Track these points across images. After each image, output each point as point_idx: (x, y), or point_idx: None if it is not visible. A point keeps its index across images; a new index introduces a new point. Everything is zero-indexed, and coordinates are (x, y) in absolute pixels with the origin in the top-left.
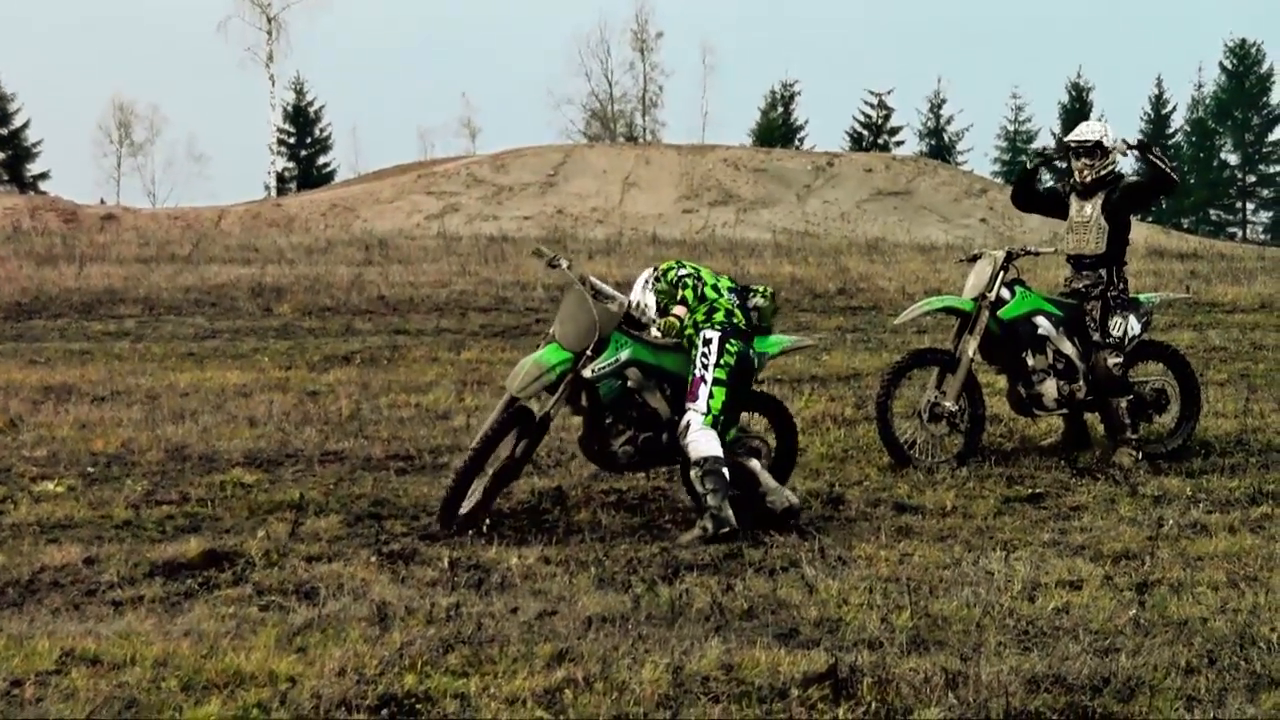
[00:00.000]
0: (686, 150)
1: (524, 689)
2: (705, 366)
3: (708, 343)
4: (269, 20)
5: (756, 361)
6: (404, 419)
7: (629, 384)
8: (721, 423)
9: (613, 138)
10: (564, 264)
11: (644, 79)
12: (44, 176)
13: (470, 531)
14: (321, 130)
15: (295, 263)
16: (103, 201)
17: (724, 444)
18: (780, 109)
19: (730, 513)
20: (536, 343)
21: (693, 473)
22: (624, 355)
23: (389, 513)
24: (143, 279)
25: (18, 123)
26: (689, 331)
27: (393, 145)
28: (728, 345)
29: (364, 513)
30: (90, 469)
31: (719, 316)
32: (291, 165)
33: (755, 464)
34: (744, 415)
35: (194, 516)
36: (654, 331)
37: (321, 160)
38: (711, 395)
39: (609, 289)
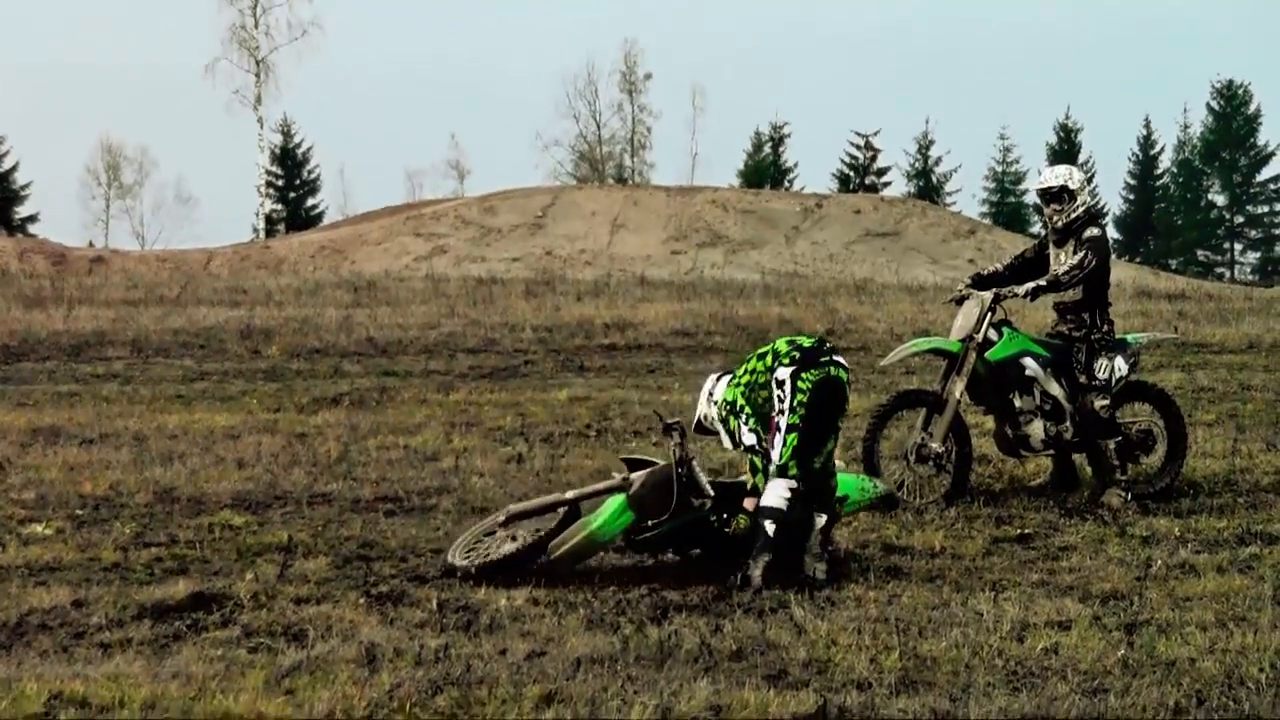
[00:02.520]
0: (675, 192)
1: None
2: (781, 412)
3: (780, 384)
4: (257, 63)
5: (845, 375)
6: (392, 460)
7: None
8: (799, 458)
9: (601, 179)
10: (676, 439)
11: (632, 120)
12: (32, 219)
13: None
14: (310, 172)
15: (284, 305)
16: (91, 244)
17: (811, 470)
18: (769, 150)
19: (759, 575)
20: (525, 385)
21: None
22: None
23: (377, 554)
24: (131, 321)
25: (6, 165)
26: (760, 380)
27: (381, 187)
28: (800, 382)
29: (352, 554)
30: (79, 511)
31: (797, 349)
32: (280, 207)
33: (821, 520)
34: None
35: (182, 559)
36: (724, 441)
37: (310, 202)
38: (784, 443)
39: (705, 482)
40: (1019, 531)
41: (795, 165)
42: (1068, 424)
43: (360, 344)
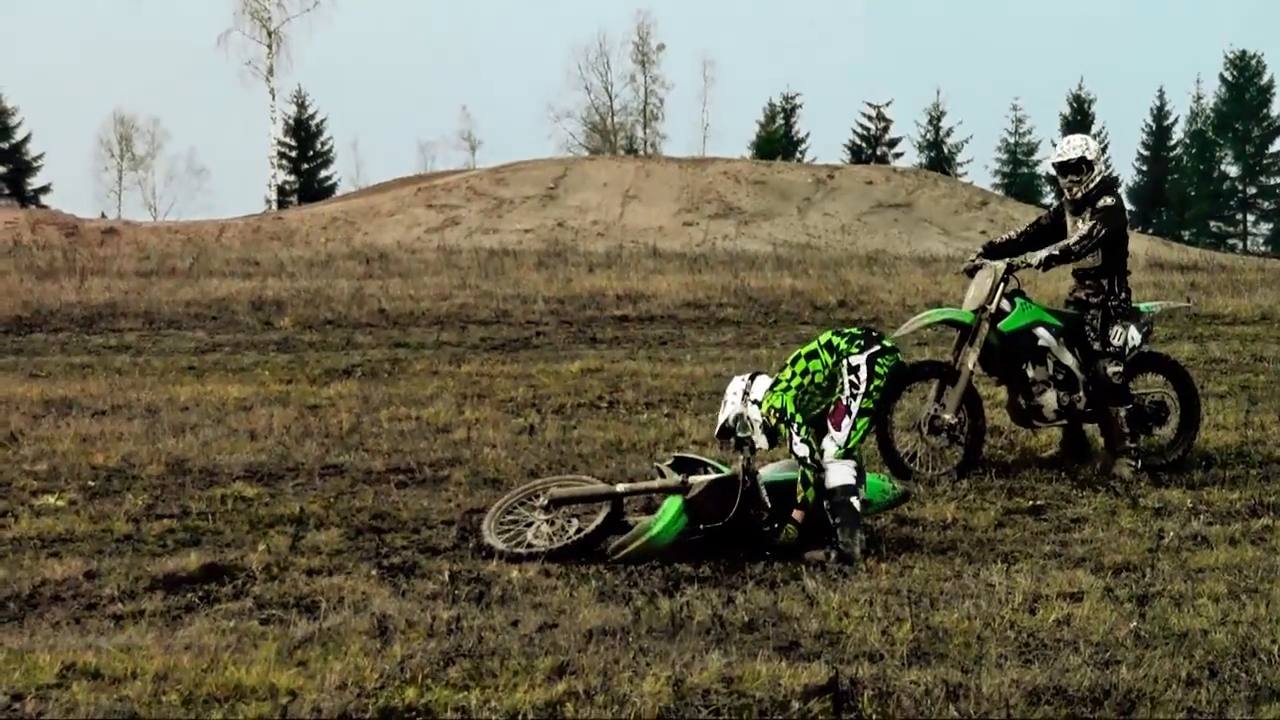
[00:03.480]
0: (687, 163)
1: (525, 702)
2: (854, 396)
3: (854, 370)
4: (269, 34)
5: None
6: (404, 432)
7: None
8: (863, 441)
9: (613, 150)
10: (746, 452)
11: (644, 92)
12: (45, 190)
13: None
14: (322, 144)
15: (296, 276)
16: (103, 215)
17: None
18: (781, 122)
19: (857, 550)
20: (536, 357)
21: (825, 503)
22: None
23: (389, 526)
24: (143, 293)
25: (19, 136)
26: (823, 370)
27: (393, 159)
28: (876, 367)
29: (364, 526)
30: (91, 483)
31: (855, 337)
32: (292, 179)
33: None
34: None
35: (194, 530)
36: (757, 440)
37: (323, 174)
38: (854, 427)
39: (765, 495)
40: (1031, 503)
41: (807, 136)
42: (1080, 394)
43: (372, 315)
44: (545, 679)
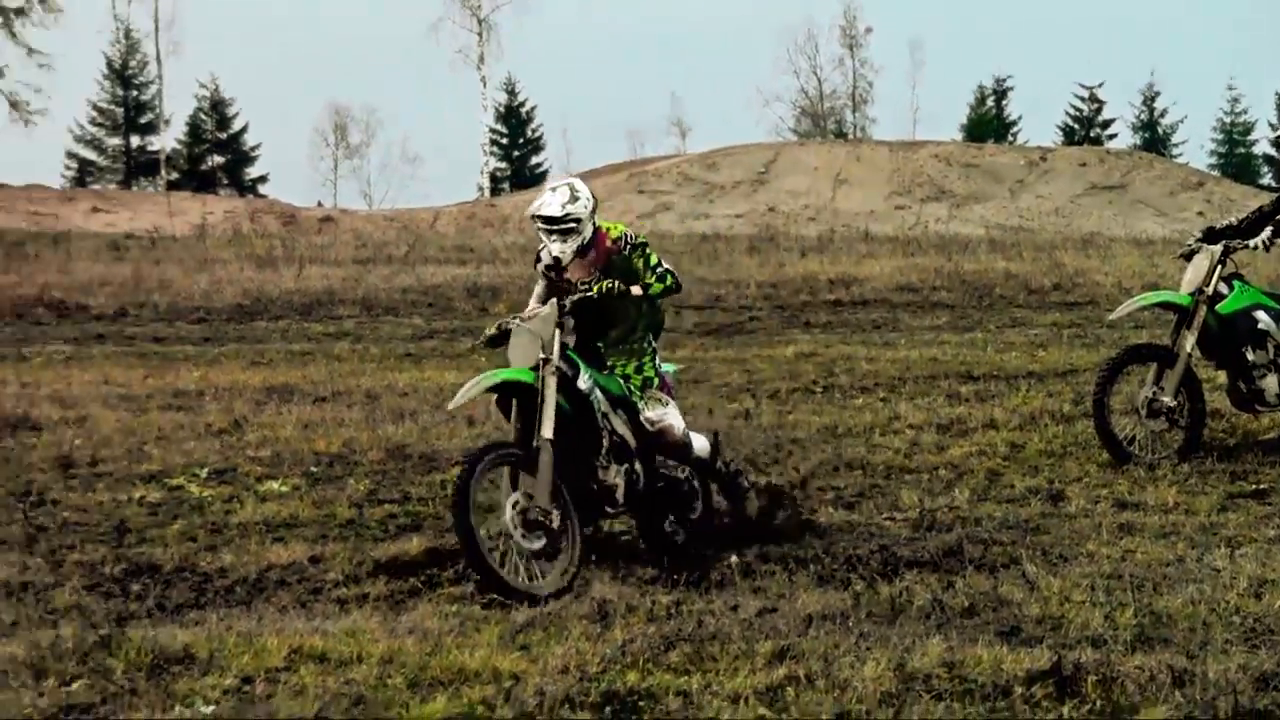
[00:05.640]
0: (897, 146)
1: (746, 686)
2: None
3: (654, 352)
4: (479, 22)
5: None
6: None
7: (599, 409)
8: None
9: (823, 135)
10: (498, 326)
11: (853, 75)
12: (263, 180)
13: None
14: (533, 130)
15: (510, 262)
16: (320, 204)
17: None
18: (992, 104)
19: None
20: (750, 342)
21: (719, 460)
22: (585, 373)
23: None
24: (360, 280)
25: (236, 127)
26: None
27: (602, 145)
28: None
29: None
30: (313, 469)
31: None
32: (504, 165)
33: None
34: None
35: (416, 515)
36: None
37: (533, 160)
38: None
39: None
40: (1254, 487)
41: (1019, 118)
42: None
43: None
44: (766, 663)
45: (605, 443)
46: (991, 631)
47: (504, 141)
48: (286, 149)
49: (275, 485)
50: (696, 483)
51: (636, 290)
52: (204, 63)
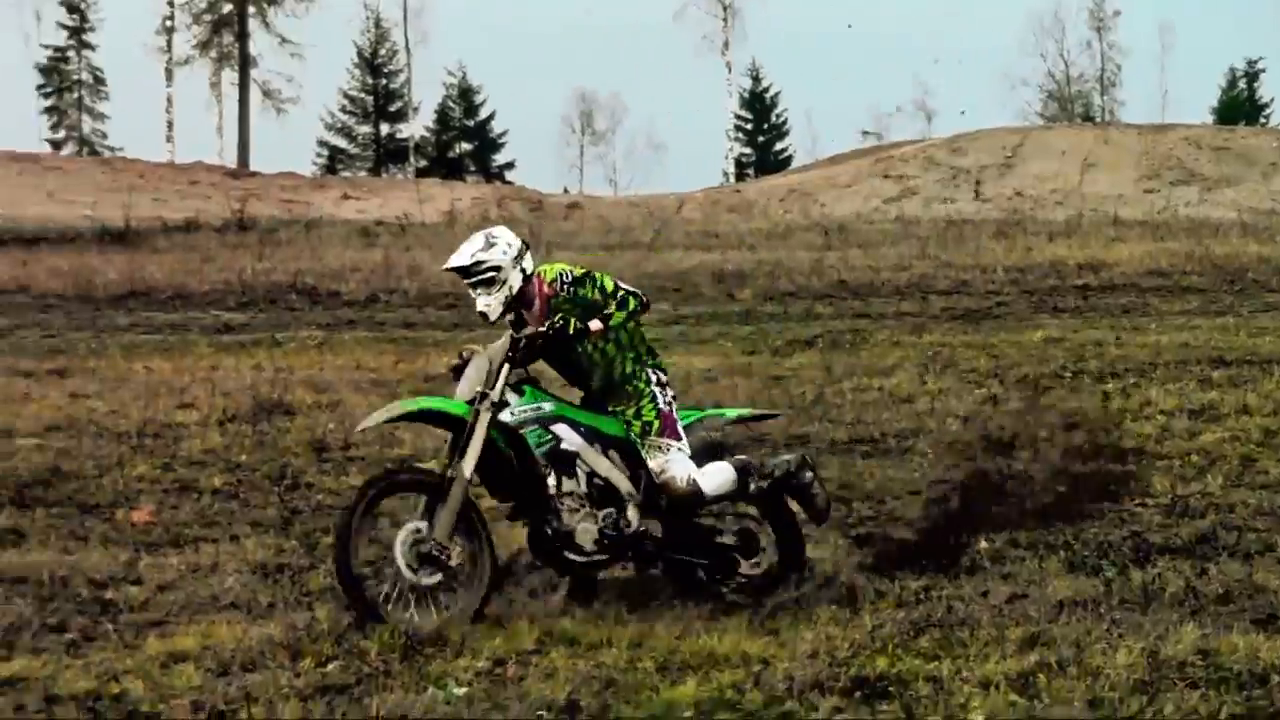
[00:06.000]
0: (1146, 130)
1: (996, 673)
2: (670, 405)
3: (662, 384)
4: (724, 8)
5: None
6: (867, 403)
7: (564, 445)
8: None
9: (1070, 118)
10: (460, 355)
11: (1101, 58)
12: (509, 166)
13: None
14: (777, 116)
15: (755, 248)
16: (566, 190)
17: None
18: (1243, 86)
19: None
20: (998, 327)
21: (752, 486)
22: (546, 406)
23: (855, 496)
24: (607, 265)
25: (484, 114)
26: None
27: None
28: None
29: (831, 496)
30: None
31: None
32: (749, 151)
33: None
34: None
35: None
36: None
37: (778, 146)
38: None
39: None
40: None
41: (1271, 101)
42: None
43: (832, 286)
44: (1017, 650)
45: (560, 485)
46: (1247, 619)
47: (748, 127)
48: (532, 136)
49: None
50: (756, 529)
51: (596, 325)
52: (451, 51)
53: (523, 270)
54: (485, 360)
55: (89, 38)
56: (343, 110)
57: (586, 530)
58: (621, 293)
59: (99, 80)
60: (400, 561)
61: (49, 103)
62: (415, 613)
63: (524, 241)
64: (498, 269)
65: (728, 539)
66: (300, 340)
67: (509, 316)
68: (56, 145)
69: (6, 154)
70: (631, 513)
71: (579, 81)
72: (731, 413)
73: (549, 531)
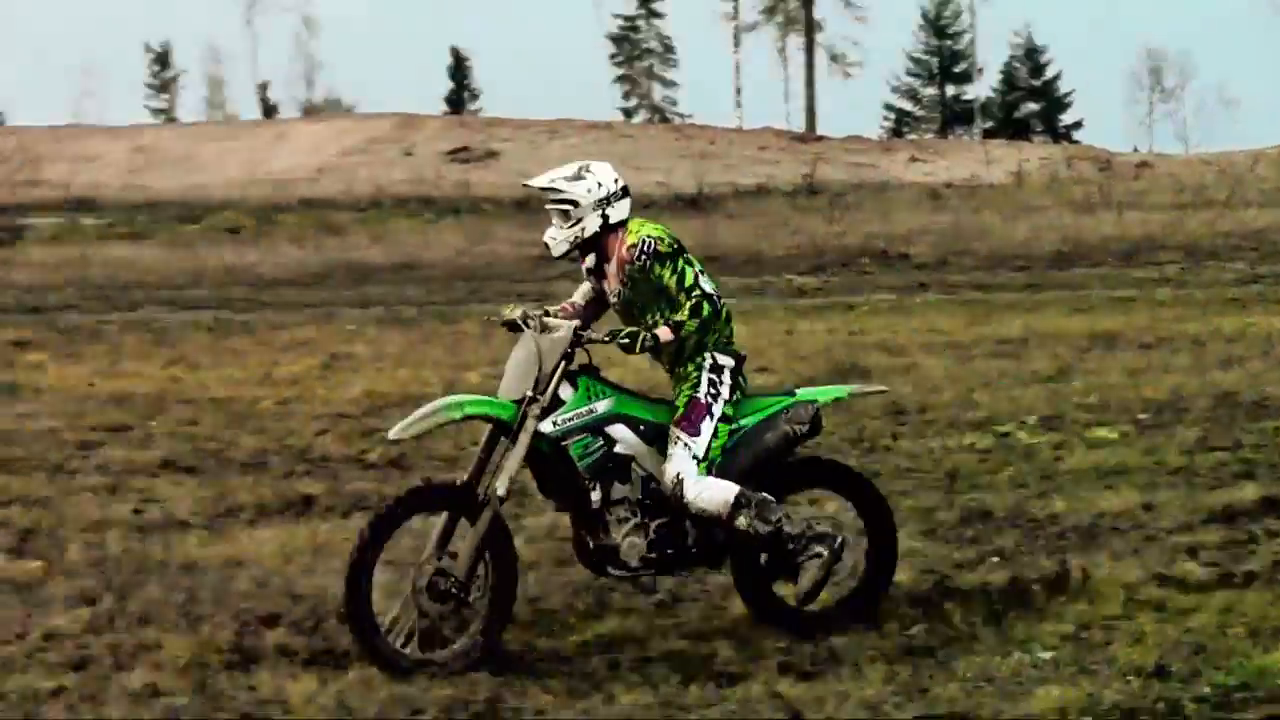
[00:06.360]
0: None
1: None
2: (714, 397)
3: (719, 369)
4: None
5: None
6: None
7: (618, 449)
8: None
9: None
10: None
11: None
12: (1077, 126)
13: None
14: None
15: None
16: (1135, 149)
17: None
18: None
19: (814, 524)
20: None
21: (741, 520)
22: (600, 406)
23: None
24: (1179, 225)
25: (1050, 74)
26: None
27: None
28: (740, 378)
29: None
30: (1141, 416)
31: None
32: None
33: None
34: None
35: (1249, 463)
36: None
37: None
38: (715, 434)
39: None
40: None
41: None
42: None
43: None
44: None
45: (610, 493)
46: None
47: None
48: (1099, 95)
49: (1104, 432)
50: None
51: (666, 334)
52: (1015, 10)
53: (604, 216)
54: (534, 354)
55: (657, 6)
56: (908, 73)
57: (633, 545)
58: (697, 293)
59: (668, 48)
60: (413, 601)
61: (620, 71)
62: (417, 644)
63: (623, 187)
64: (574, 204)
65: (793, 528)
66: (873, 304)
67: (587, 263)
68: (628, 114)
69: (583, 123)
70: (688, 521)
71: (1147, 39)
72: (827, 395)
73: (590, 545)
